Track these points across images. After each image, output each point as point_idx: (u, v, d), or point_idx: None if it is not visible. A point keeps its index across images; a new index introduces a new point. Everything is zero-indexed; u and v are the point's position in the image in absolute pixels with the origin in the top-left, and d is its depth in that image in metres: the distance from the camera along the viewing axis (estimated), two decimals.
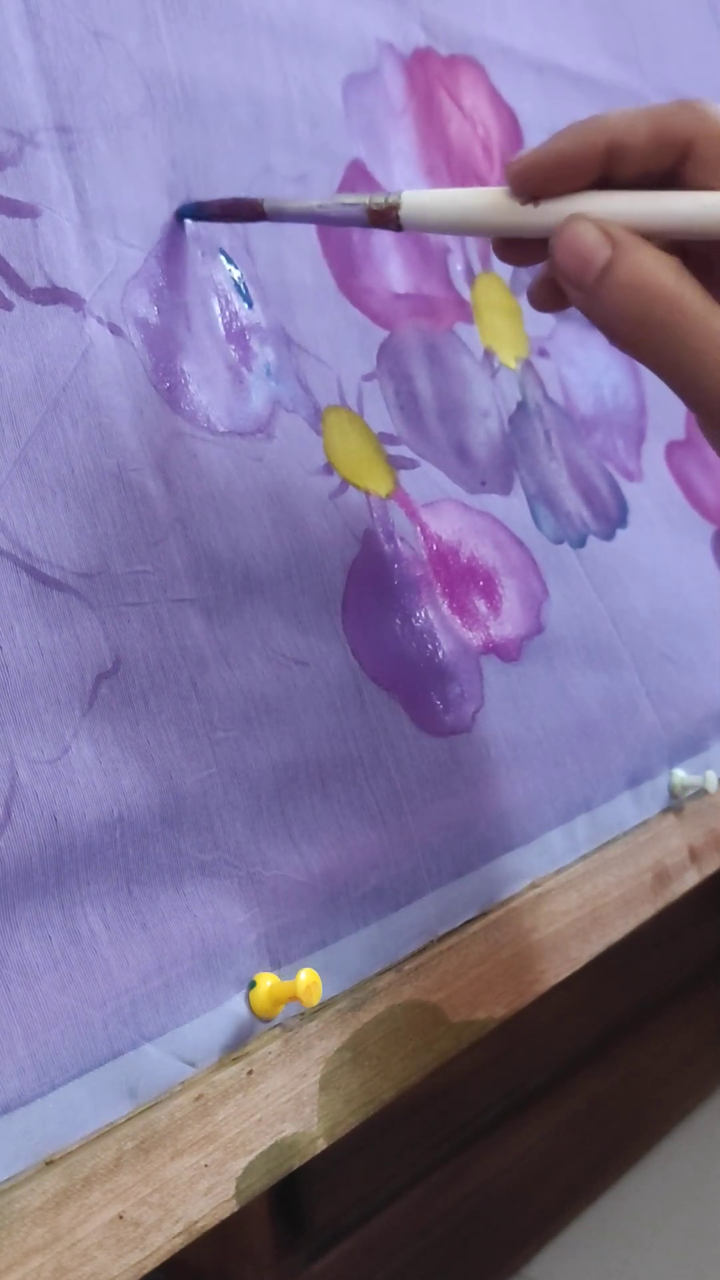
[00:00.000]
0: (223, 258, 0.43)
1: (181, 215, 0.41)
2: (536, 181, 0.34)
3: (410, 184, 0.52)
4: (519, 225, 0.35)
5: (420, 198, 0.37)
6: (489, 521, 0.50)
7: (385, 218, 0.37)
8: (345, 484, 0.44)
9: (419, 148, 0.53)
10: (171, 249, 0.41)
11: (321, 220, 0.41)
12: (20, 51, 0.38)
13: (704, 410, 0.34)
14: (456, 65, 0.56)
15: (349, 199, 0.38)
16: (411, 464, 0.48)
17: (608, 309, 0.33)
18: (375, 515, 0.45)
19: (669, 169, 0.34)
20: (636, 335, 0.33)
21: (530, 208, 0.34)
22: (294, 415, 0.44)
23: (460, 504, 0.49)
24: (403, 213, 0.37)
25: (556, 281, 0.34)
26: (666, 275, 0.32)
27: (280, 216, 0.41)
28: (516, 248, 0.37)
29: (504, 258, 0.37)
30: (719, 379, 0.32)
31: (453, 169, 0.54)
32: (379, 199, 0.37)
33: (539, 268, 0.38)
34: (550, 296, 0.37)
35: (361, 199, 0.38)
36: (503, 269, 0.56)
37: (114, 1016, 0.34)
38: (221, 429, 0.41)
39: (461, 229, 0.37)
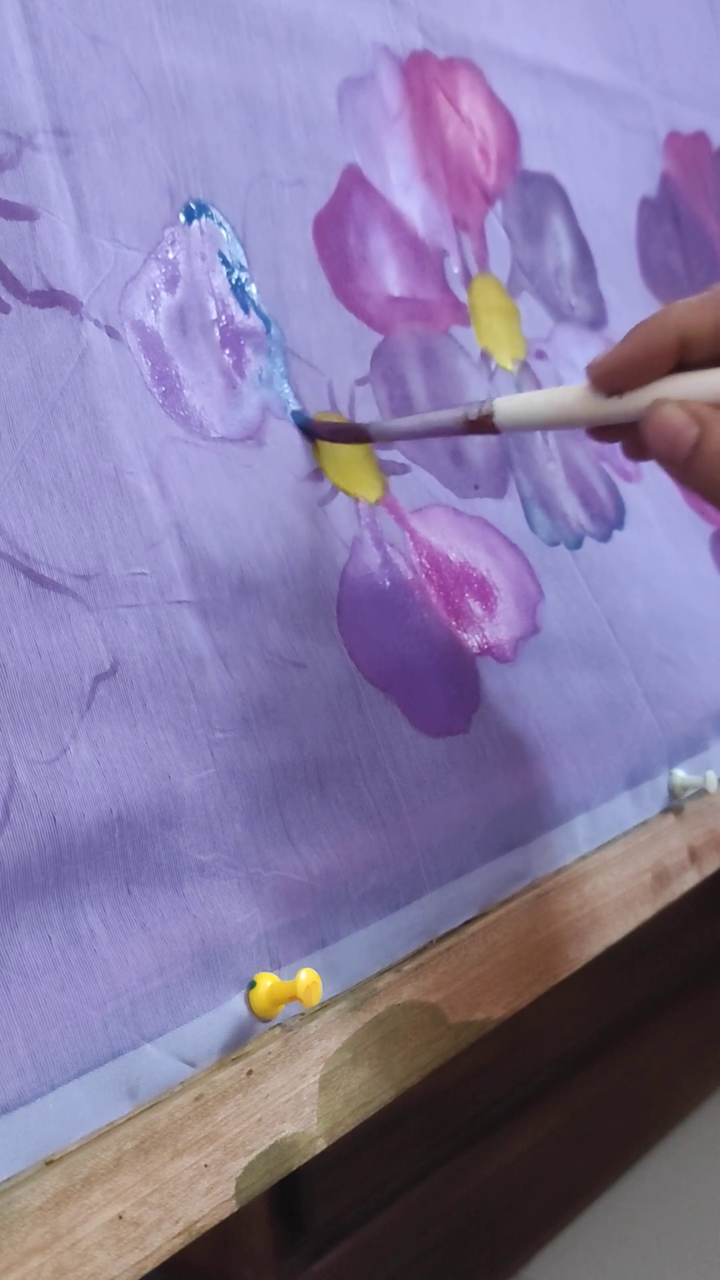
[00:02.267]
0: (221, 262, 0.43)
1: (297, 424, 0.44)
2: (618, 381, 0.36)
3: (405, 188, 0.52)
4: (607, 415, 0.37)
5: (511, 403, 0.40)
6: (480, 525, 0.50)
7: (482, 425, 0.40)
8: (335, 490, 0.45)
9: (415, 152, 0.53)
10: (170, 252, 0.41)
11: (422, 435, 0.44)
12: (19, 54, 0.38)
13: None
14: (454, 68, 0.56)
15: (445, 415, 0.41)
16: (402, 469, 0.48)
17: (704, 479, 0.35)
18: (364, 522, 0.45)
19: None
20: None
21: (615, 399, 0.37)
22: (284, 422, 0.44)
23: (450, 509, 0.49)
24: (497, 418, 0.40)
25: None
26: None
27: (384, 437, 0.44)
28: (607, 428, 0.39)
29: (596, 438, 0.40)
30: None
31: (449, 173, 0.54)
32: (473, 410, 0.40)
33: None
34: (640, 451, 0.39)
35: (456, 412, 0.40)
36: (500, 270, 0.56)
37: (114, 1016, 0.34)
38: (214, 434, 0.41)
39: (554, 425, 0.40)
